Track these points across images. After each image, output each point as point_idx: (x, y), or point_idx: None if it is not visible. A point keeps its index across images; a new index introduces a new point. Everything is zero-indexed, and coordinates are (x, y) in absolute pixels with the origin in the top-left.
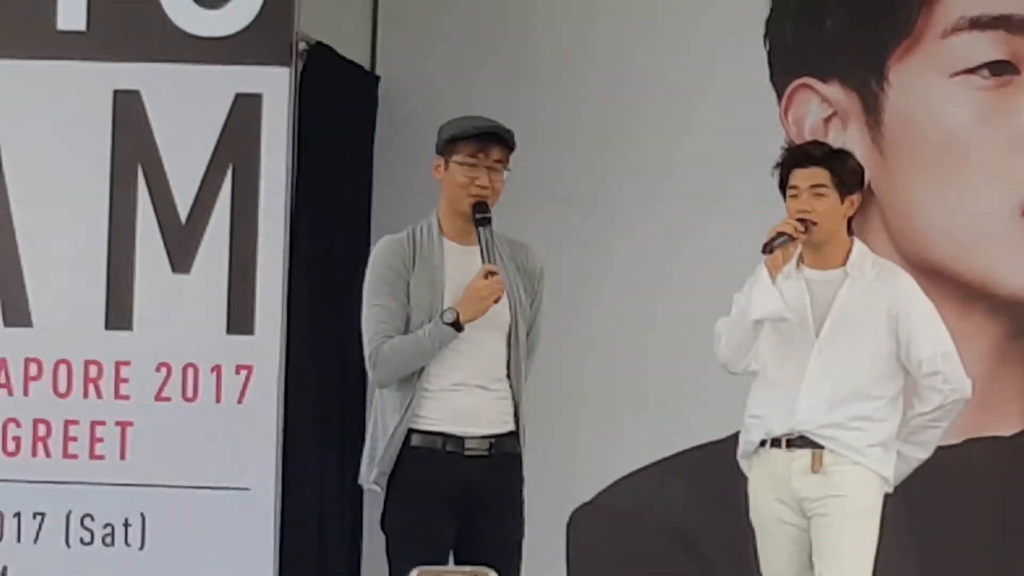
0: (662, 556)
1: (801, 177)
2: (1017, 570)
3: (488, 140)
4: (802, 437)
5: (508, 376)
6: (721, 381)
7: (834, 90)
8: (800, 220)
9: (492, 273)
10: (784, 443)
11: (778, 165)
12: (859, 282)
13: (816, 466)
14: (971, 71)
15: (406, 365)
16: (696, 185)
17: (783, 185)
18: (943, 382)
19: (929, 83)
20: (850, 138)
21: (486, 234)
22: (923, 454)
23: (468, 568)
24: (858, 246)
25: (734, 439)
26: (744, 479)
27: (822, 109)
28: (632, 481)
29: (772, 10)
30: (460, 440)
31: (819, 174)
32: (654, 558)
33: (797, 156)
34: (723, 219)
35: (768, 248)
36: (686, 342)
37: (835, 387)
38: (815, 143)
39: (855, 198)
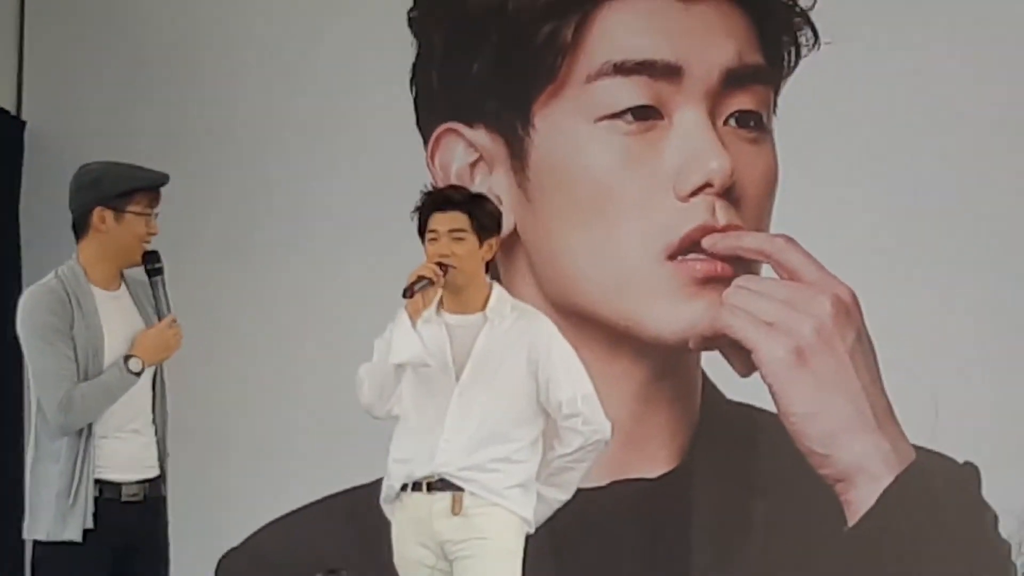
0: None
1: (440, 221)
2: None
3: (158, 190)
4: (442, 480)
5: (154, 419)
6: (370, 423)
7: (480, 135)
8: (439, 264)
9: (174, 322)
10: (425, 486)
11: (417, 209)
12: (499, 326)
13: (456, 508)
14: (615, 116)
15: (97, 410)
16: (344, 229)
17: (422, 229)
18: (583, 423)
19: (574, 128)
20: (496, 183)
21: (160, 284)
22: (564, 496)
23: None
24: (497, 290)
25: (379, 483)
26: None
27: (468, 154)
28: (281, 525)
29: (418, 55)
30: (116, 487)
31: (458, 218)
32: None
33: (437, 200)
34: (367, 262)
35: (409, 292)
36: (334, 385)
37: (475, 430)
38: (454, 187)
39: (493, 242)
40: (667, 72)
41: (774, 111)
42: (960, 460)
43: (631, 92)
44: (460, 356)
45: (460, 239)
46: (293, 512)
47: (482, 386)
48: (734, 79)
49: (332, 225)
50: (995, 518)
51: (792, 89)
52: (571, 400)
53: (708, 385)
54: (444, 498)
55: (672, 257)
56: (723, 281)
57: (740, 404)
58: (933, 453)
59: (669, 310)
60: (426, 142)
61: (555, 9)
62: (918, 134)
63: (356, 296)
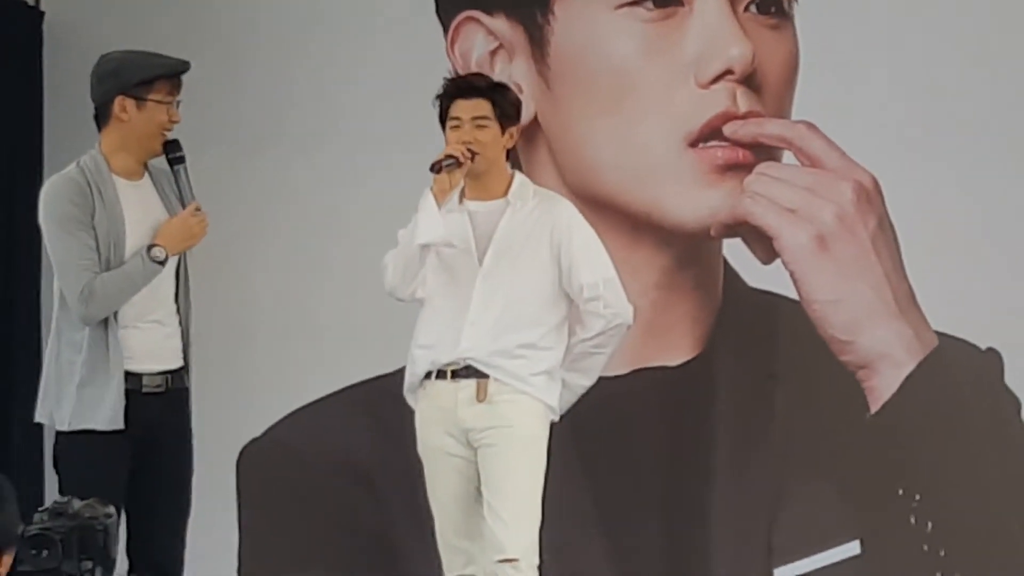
0: (333, 490)
1: (463, 108)
2: (681, 499)
3: (179, 77)
4: (467, 367)
5: (177, 310)
6: (392, 316)
7: (500, 23)
8: (469, 149)
9: (198, 210)
10: (449, 374)
11: (439, 96)
12: (520, 211)
13: (481, 395)
14: (635, 3)
15: (119, 300)
16: (368, 122)
17: (443, 116)
18: (604, 307)
19: (594, 15)
20: (516, 71)
21: (182, 172)
22: (587, 381)
23: None
24: (519, 177)
25: (402, 372)
26: (412, 412)
27: (488, 42)
28: (302, 415)
29: None
30: (138, 377)
31: (481, 105)
32: (325, 492)
33: (459, 87)
34: (395, 156)
35: (436, 167)
36: (358, 278)
37: (500, 314)
38: (476, 75)
39: (515, 130)
40: None
41: None
42: (983, 347)
43: None
44: (482, 241)
45: (483, 126)
46: (315, 402)
47: (505, 270)
48: None
49: (356, 118)
50: (1019, 404)
51: None
52: (593, 284)
53: (730, 272)
54: (469, 385)
55: (693, 144)
56: (745, 168)
57: (762, 291)
58: (956, 340)
59: (691, 197)
60: (446, 31)
61: None
62: (942, 19)
63: (379, 189)
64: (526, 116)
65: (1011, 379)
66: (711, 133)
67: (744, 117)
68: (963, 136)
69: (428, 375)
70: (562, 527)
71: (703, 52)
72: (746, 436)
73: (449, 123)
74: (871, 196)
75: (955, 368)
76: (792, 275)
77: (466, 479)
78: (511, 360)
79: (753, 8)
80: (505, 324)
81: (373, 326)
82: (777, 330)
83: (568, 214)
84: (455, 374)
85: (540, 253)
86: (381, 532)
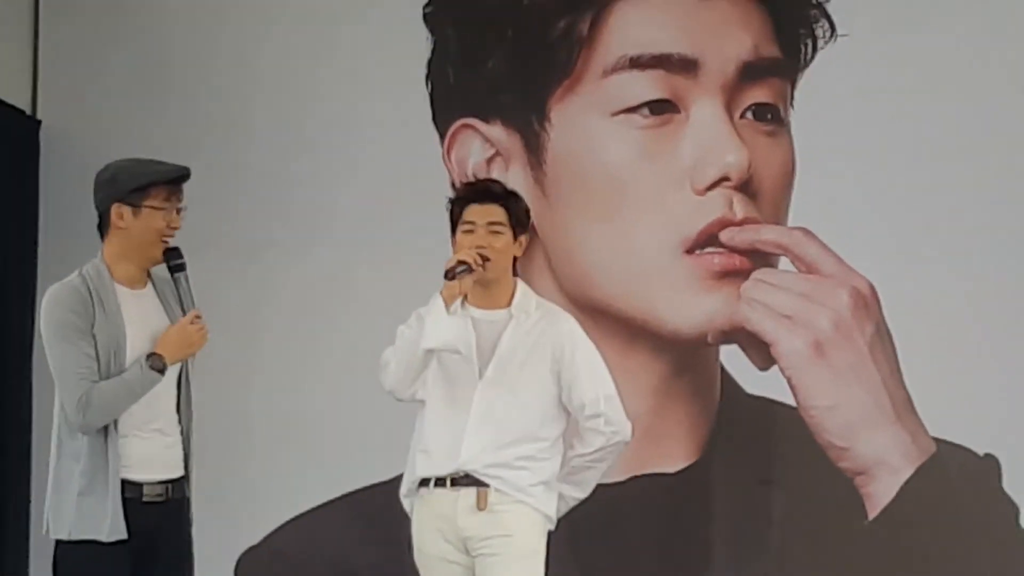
0: None
1: (478, 213)
2: None
3: (178, 183)
4: (467, 475)
5: (179, 419)
6: (388, 421)
7: (496, 130)
8: (481, 255)
9: (198, 318)
10: (449, 481)
11: (452, 200)
12: (523, 324)
13: (482, 504)
14: (632, 110)
15: (117, 409)
16: (361, 226)
17: (455, 220)
18: (605, 424)
19: (590, 122)
20: (512, 178)
21: (183, 280)
22: (581, 494)
23: None
24: (522, 287)
25: (399, 479)
26: (409, 519)
27: (485, 149)
28: (300, 523)
29: (433, 51)
30: (138, 487)
31: (496, 211)
32: None
33: (475, 192)
34: (386, 259)
35: (450, 275)
36: (353, 383)
37: (499, 428)
38: (492, 181)
39: (524, 239)
40: (683, 66)
41: (791, 104)
42: (981, 453)
43: (647, 86)
44: (484, 351)
45: (498, 232)
46: (312, 510)
47: (506, 384)
48: (751, 72)
49: (350, 223)
50: (1017, 511)
51: (809, 82)
52: (594, 401)
53: (727, 379)
54: (469, 494)
55: (690, 251)
56: (741, 274)
57: (759, 398)
58: (954, 445)
59: (687, 304)
60: (442, 138)
61: (570, 3)
62: (935, 127)
63: (372, 296)
64: None
65: (1009, 485)
66: (707, 239)
67: (741, 223)
68: (959, 241)
69: (426, 482)
70: None
71: (699, 159)
72: (743, 541)
73: (462, 227)
74: (868, 302)
75: (953, 474)
76: (789, 381)
77: None
78: (511, 471)
79: (749, 115)
80: (504, 437)
81: (369, 431)
82: (774, 436)
83: (569, 328)
84: (455, 481)
85: (541, 368)
86: None
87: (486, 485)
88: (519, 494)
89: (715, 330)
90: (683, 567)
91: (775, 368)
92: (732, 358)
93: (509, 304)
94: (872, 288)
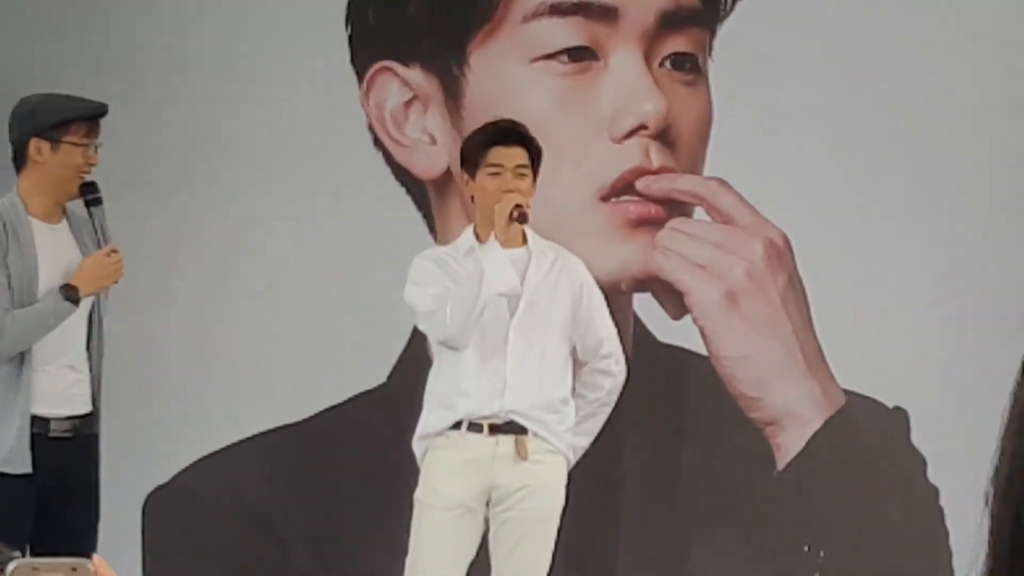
0: (238, 539)
1: (505, 156)
2: (587, 554)
3: (97, 120)
4: (509, 422)
5: (89, 356)
6: (304, 363)
7: (415, 74)
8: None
9: (115, 252)
10: (487, 428)
11: (471, 138)
12: (544, 262)
13: (523, 453)
14: (550, 57)
15: (29, 339)
16: (281, 166)
17: (475, 158)
18: (615, 364)
19: (509, 68)
20: (431, 122)
21: (99, 214)
22: (588, 441)
23: (69, 560)
24: (528, 229)
25: (315, 421)
26: (324, 462)
27: (403, 92)
28: (211, 463)
29: None
30: (46, 422)
31: (522, 154)
32: (230, 541)
33: (501, 133)
34: (304, 198)
35: (522, 217)
36: (269, 322)
37: (537, 367)
38: (515, 122)
39: (538, 181)
40: (603, 13)
41: (710, 54)
42: (890, 405)
43: (567, 33)
44: None
45: (523, 175)
46: (223, 449)
47: (538, 321)
48: (670, 21)
49: (268, 163)
50: (925, 464)
51: (729, 31)
52: (610, 339)
53: (639, 327)
54: (508, 441)
55: (606, 199)
56: (657, 223)
57: (671, 347)
58: (863, 398)
59: (602, 252)
60: (361, 80)
61: None
62: (853, 78)
63: (291, 236)
64: (439, 167)
65: (917, 438)
66: (624, 188)
67: (657, 172)
68: (873, 191)
69: (457, 425)
70: None
71: (618, 107)
72: (653, 491)
73: (487, 169)
74: (781, 253)
75: (862, 426)
76: (702, 331)
77: (470, 537)
78: (551, 415)
79: (668, 64)
80: (544, 377)
81: (285, 372)
82: (686, 385)
83: (584, 270)
84: (493, 428)
85: (564, 306)
86: None
87: (524, 432)
88: (556, 440)
89: (629, 278)
90: (592, 515)
91: (688, 317)
92: (645, 307)
93: (524, 242)
94: (786, 239)
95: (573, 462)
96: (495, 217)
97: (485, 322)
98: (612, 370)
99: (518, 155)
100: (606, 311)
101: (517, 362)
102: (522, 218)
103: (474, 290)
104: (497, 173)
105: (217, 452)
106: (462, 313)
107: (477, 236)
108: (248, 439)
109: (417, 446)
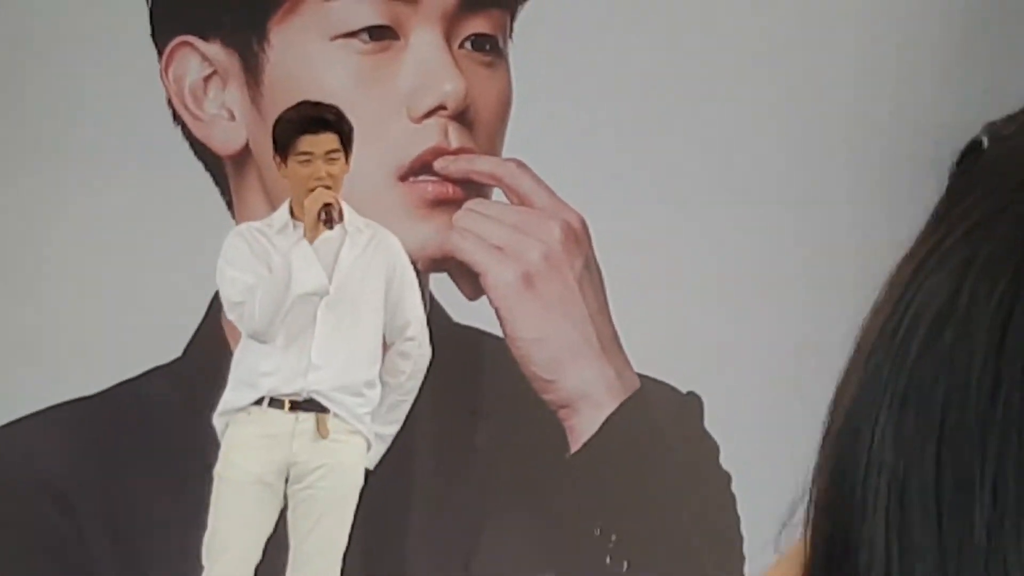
0: (33, 514)
1: (313, 143)
2: (378, 532)
3: None
4: (309, 400)
5: None
6: (100, 342)
7: (215, 49)
8: (326, 187)
9: None
10: (288, 404)
11: (279, 127)
12: (358, 241)
13: (323, 431)
14: (351, 35)
15: None
16: (84, 140)
17: (285, 145)
18: (417, 347)
19: (309, 45)
20: (230, 98)
21: None
22: (393, 430)
23: None
24: (346, 205)
25: (110, 394)
26: (119, 437)
27: (203, 68)
28: (4, 434)
29: None
30: None
31: (331, 140)
32: (24, 516)
33: (308, 121)
34: (107, 176)
35: (329, 223)
36: (67, 297)
37: (344, 348)
38: (322, 106)
39: (350, 156)
40: None
41: (510, 36)
42: (684, 391)
43: (367, 11)
44: (324, 269)
45: (334, 160)
46: (17, 421)
47: (347, 302)
48: (471, 2)
49: (71, 136)
50: (716, 448)
51: (530, 14)
52: (417, 320)
53: (435, 307)
54: (308, 419)
55: (404, 178)
56: (454, 204)
57: (467, 327)
58: (658, 383)
59: (399, 231)
60: (160, 55)
61: None
62: (653, 63)
63: (96, 209)
64: (238, 143)
65: (710, 424)
66: (421, 167)
67: (455, 153)
68: (674, 177)
69: (259, 401)
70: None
71: (416, 86)
72: (447, 470)
73: (297, 157)
74: (579, 236)
75: (656, 411)
76: (497, 312)
77: (268, 513)
78: (353, 397)
79: (468, 45)
80: (350, 359)
81: (83, 346)
82: (481, 366)
83: (399, 248)
84: (294, 405)
85: (377, 286)
86: (80, 561)
87: (325, 411)
88: (356, 422)
89: (426, 258)
90: (383, 492)
91: (484, 298)
92: (441, 287)
93: (340, 220)
94: (583, 222)
95: (382, 451)
96: (304, 214)
97: (294, 307)
98: (412, 353)
99: (328, 141)
100: (417, 293)
101: (323, 343)
102: (329, 223)
103: (281, 288)
104: (308, 160)
105: (6, 425)
106: (269, 310)
107: (292, 214)
108: (40, 412)
109: (218, 422)
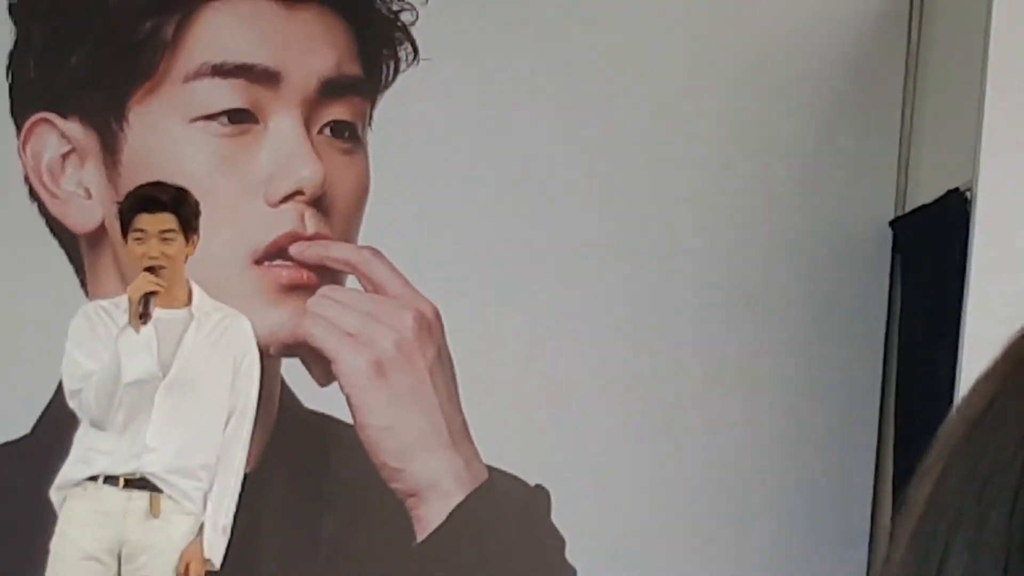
0: None
1: (148, 222)
2: None
3: None
4: (143, 479)
5: None
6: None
7: (73, 126)
8: (152, 269)
9: None
10: (122, 482)
11: (120, 210)
12: (205, 325)
13: (155, 511)
14: (211, 117)
15: None
16: None
17: (125, 226)
18: (233, 430)
19: (168, 126)
20: (87, 175)
21: None
22: (227, 520)
23: None
24: (197, 288)
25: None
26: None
27: (61, 144)
28: None
29: (16, 43)
30: None
31: (167, 219)
32: None
33: (143, 201)
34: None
35: (146, 317)
36: None
37: (181, 431)
38: (158, 186)
39: (196, 237)
40: (265, 77)
41: (370, 123)
42: (532, 483)
43: (227, 94)
44: (166, 352)
45: (169, 239)
46: None
47: (187, 386)
48: (331, 89)
49: None
50: (563, 543)
51: (389, 102)
52: (242, 411)
53: (286, 392)
54: (141, 497)
55: (259, 262)
56: (309, 289)
57: (317, 413)
58: (506, 474)
59: (252, 315)
60: (19, 130)
61: (157, 6)
62: (510, 152)
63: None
64: (94, 221)
65: (557, 517)
66: (277, 252)
67: (311, 238)
68: (528, 266)
69: (94, 478)
70: None
71: (275, 171)
72: (292, 558)
73: (133, 235)
74: (432, 326)
75: (503, 502)
76: (348, 399)
77: None
78: (186, 480)
79: (327, 131)
80: (187, 442)
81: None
82: (329, 453)
83: (248, 334)
84: (128, 483)
85: (223, 370)
86: None
87: (159, 491)
88: (188, 503)
89: (278, 343)
90: None
91: (335, 384)
92: (293, 372)
93: (188, 303)
94: (436, 312)
95: (223, 540)
96: (128, 302)
97: (129, 392)
98: (228, 436)
99: (164, 220)
100: (253, 382)
101: (159, 426)
102: (145, 317)
103: (111, 377)
104: (141, 239)
105: None
106: (103, 400)
107: None
108: None
109: (55, 496)
